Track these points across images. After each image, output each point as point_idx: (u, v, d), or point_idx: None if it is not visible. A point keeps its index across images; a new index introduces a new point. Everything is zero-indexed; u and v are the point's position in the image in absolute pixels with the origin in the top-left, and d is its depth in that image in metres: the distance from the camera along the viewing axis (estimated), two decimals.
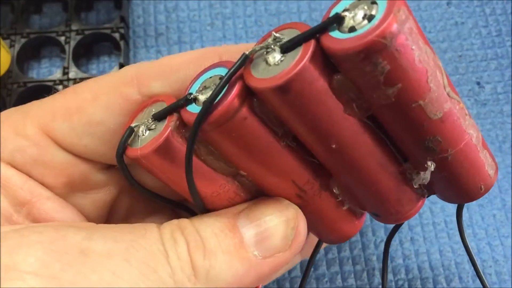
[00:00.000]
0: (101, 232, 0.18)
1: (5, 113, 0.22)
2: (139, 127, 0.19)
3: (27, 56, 0.35)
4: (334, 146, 0.18)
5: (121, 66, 0.34)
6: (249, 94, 0.18)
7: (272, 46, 0.17)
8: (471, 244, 0.32)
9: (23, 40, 0.34)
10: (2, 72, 0.33)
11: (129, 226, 0.19)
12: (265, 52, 0.17)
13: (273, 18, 0.37)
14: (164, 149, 0.19)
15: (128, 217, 0.24)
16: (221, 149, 0.19)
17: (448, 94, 0.18)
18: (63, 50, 0.35)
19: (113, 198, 0.23)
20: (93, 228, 0.19)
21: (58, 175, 0.22)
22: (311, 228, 0.22)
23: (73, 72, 0.34)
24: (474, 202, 0.32)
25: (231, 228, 0.19)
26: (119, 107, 0.21)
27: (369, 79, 0.16)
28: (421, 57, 0.17)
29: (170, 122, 0.19)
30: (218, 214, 0.20)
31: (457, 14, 0.37)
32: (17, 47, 0.34)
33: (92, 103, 0.21)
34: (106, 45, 0.36)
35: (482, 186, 0.21)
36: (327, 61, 0.17)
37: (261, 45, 0.17)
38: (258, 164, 0.19)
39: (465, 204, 0.32)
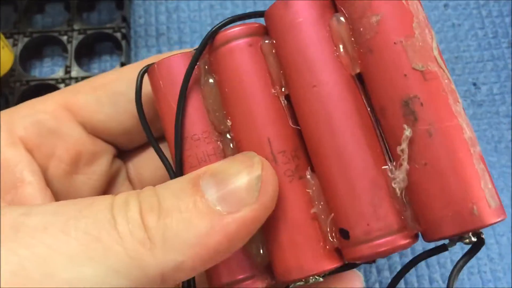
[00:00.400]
0: (42, 207, 0.17)
1: (18, 105, 0.23)
2: None
3: (29, 55, 0.36)
4: (315, 87, 0.18)
5: (122, 65, 0.34)
6: (263, 33, 0.20)
7: None
8: None
9: (26, 39, 0.35)
10: (5, 70, 0.34)
11: (79, 199, 0.17)
12: None
13: None
14: (166, 68, 0.21)
15: None
16: (220, 80, 0.20)
17: (435, 57, 0.17)
18: (65, 50, 0.35)
19: (106, 189, 0.24)
20: (35, 206, 0.17)
21: (69, 149, 0.22)
22: (264, 227, 0.19)
23: (75, 71, 0.34)
24: None
25: (191, 186, 0.17)
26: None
27: (358, 4, 0.18)
28: (414, 6, 0.17)
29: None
30: (182, 177, 0.18)
31: (454, 16, 0.38)
32: (20, 46, 0.35)
33: (117, 79, 0.23)
34: (107, 44, 0.36)
35: (475, 208, 0.16)
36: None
37: None
38: (244, 106, 0.20)
39: None
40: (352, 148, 0.18)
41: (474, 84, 0.36)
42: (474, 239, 0.17)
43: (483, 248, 0.32)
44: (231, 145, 0.21)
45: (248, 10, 0.38)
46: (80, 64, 0.35)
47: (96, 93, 0.23)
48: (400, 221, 0.18)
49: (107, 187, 0.24)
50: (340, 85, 0.18)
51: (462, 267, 0.17)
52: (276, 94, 0.19)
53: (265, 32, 0.20)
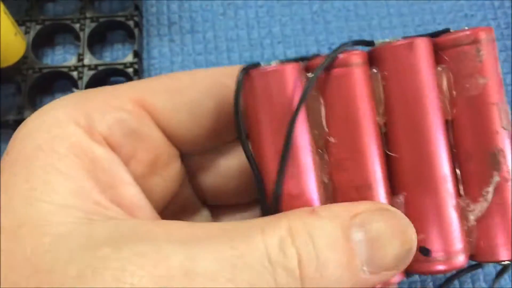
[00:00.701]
0: (202, 250, 0.17)
1: (82, 93, 0.22)
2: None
3: (42, 42, 0.36)
4: (421, 126, 0.21)
5: (135, 54, 0.34)
6: (370, 62, 0.22)
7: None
8: None
9: (38, 27, 0.35)
10: (18, 58, 0.34)
11: (229, 236, 0.18)
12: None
13: (285, 8, 0.38)
14: (279, 77, 0.21)
15: (183, 209, 0.25)
16: (330, 100, 0.21)
17: (509, 121, 0.21)
18: (77, 37, 0.35)
19: (175, 192, 0.24)
20: (192, 244, 0.18)
21: (149, 152, 0.22)
22: None
23: (88, 59, 0.34)
24: None
25: (345, 238, 0.18)
26: (219, 93, 0.22)
27: (468, 64, 0.21)
28: (500, 75, 0.22)
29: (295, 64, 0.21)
30: (331, 216, 0.19)
31: (467, 7, 0.37)
32: (32, 33, 0.35)
33: (192, 86, 0.22)
34: (120, 33, 0.36)
35: None
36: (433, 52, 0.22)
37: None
38: (346, 125, 0.21)
39: None
40: (443, 181, 0.21)
41: None
42: (508, 262, 0.22)
43: None
44: (326, 157, 0.22)
45: (259, 3, 0.38)
46: (92, 52, 0.35)
47: (172, 98, 0.22)
48: (466, 245, 0.22)
49: (176, 190, 0.24)
50: (440, 126, 0.21)
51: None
52: (378, 122, 0.22)
53: (369, 60, 0.22)
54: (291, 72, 0.21)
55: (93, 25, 0.35)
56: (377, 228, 0.19)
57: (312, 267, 0.17)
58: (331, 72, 0.21)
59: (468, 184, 0.22)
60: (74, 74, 0.33)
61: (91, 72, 0.34)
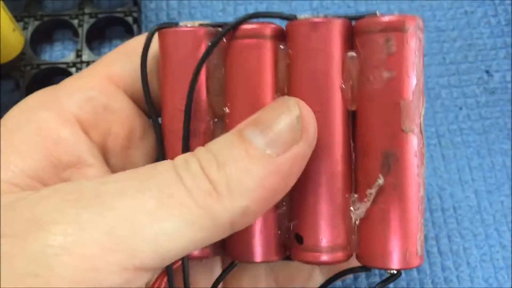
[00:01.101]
0: (115, 175, 0.18)
1: (54, 85, 0.23)
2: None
3: (40, 38, 0.35)
4: (317, 113, 0.20)
5: None
6: (281, 37, 0.21)
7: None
8: (479, 230, 0.32)
9: (36, 23, 0.35)
10: (16, 54, 0.33)
11: (141, 167, 0.19)
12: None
13: (285, 5, 0.37)
14: (188, 37, 0.21)
15: None
16: (231, 68, 0.21)
17: (420, 123, 0.20)
18: (75, 33, 0.35)
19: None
20: (106, 178, 0.18)
21: (124, 124, 0.22)
22: None
23: (86, 55, 0.34)
24: (482, 188, 0.33)
25: (238, 138, 0.19)
26: None
27: (375, 54, 0.19)
28: (417, 71, 0.20)
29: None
30: (226, 133, 0.19)
31: (467, 3, 0.37)
32: (30, 29, 0.34)
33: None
34: (118, 29, 0.36)
35: (407, 253, 0.20)
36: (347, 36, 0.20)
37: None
38: (249, 101, 0.21)
39: (473, 190, 0.33)
40: (331, 172, 0.20)
41: (487, 72, 0.36)
42: (394, 272, 0.21)
43: (496, 236, 0.32)
44: (221, 129, 0.22)
45: None
46: (91, 48, 0.34)
47: (132, 60, 0.22)
48: (346, 242, 0.21)
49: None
50: (338, 115, 0.20)
51: None
52: (276, 91, 0.21)
53: (283, 36, 0.21)
54: (198, 35, 0.21)
55: (92, 21, 0.35)
56: (263, 115, 0.19)
57: (213, 167, 0.18)
58: (238, 41, 0.21)
59: (358, 181, 0.21)
60: (73, 70, 0.33)
61: None
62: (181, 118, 0.21)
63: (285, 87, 0.21)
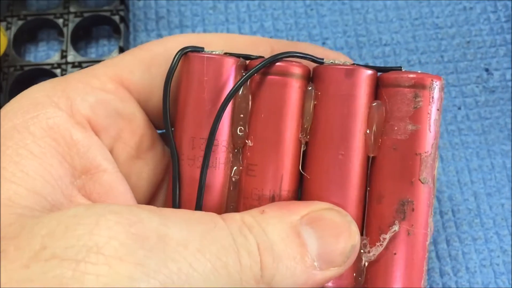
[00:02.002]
0: (174, 219, 0.18)
1: (61, 77, 0.21)
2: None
3: (24, 39, 0.34)
4: (340, 156, 0.21)
5: (121, 50, 0.33)
6: (309, 78, 0.22)
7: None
8: (479, 234, 0.31)
9: (20, 23, 0.33)
10: None
11: (195, 214, 0.19)
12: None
13: (277, 1, 0.36)
14: (216, 65, 0.21)
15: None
16: (260, 103, 0.21)
17: (435, 175, 0.21)
18: (61, 33, 0.34)
19: (161, 179, 0.23)
20: (164, 213, 0.18)
21: (134, 133, 0.22)
22: None
23: (72, 56, 0.33)
24: (482, 190, 0.32)
25: (296, 234, 0.19)
26: None
27: (402, 107, 0.21)
28: (437, 126, 0.21)
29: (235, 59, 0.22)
30: (280, 216, 0.20)
31: None
32: (14, 29, 0.33)
33: (168, 59, 0.21)
34: (105, 28, 0.35)
35: None
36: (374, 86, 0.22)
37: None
38: (273, 137, 0.21)
39: (473, 193, 0.32)
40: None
41: (487, 70, 0.34)
42: None
43: (496, 240, 0.31)
44: (239, 161, 0.22)
45: None
46: (76, 48, 0.33)
47: (150, 72, 0.22)
48: (353, 284, 0.22)
49: (163, 175, 0.23)
50: (359, 160, 0.21)
51: None
52: (300, 139, 0.22)
53: (309, 76, 0.22)
54: (228, 64, 0.21)
55: (77, 20, 0.33)
56: (325, 225, 0.20)
57: (269, 256, 0.18)
58: (268, 77, 0.21)
59: (371, 225, 0.22)
60: (57, 71, 0.32)
61: (75, 70, 0.32)
62: (201, 146, 0.21)
63: (309, 127, 0.22)
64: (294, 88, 0.21)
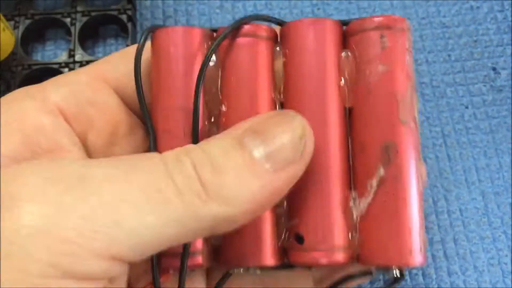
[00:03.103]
0: (99, 160, 0.18)
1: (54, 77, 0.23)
2: None
3: (31, 38, 0.34)
4: (317, 110, 0.21)
5: None
6: (276, 39, 0.22)
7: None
8: (486, 233, 0.31)
9: (27, 22, 0.33)
10: (6, 54, 0.32)
11: (128, 156, 0.19)
12: None
13: (284, 1, 0.36)
14: (183, 37, 0.21)
15: None
16: (228, 67, 0.21)
17: (416, 118, 0.21)
18: (68, 32, 0.34)
19: None
20: (93, 160, 0.18)
21: (107, 120, 0.22)
22: None
23: (79, 55, 0.33)
24: (490, 189, 0.32)
25: (237, 144, 0.18)
26: None
27: (370, 50, 0.21)
28: (409, 66, 0.21)
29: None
30: (223, 134, 0.19)
31: None
32: (21, 28, 0.33)
33: (146, 48, 0.22)
34: (112, 27, 0.35)
35: (413, 249, 0.20)
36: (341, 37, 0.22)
37: None
38: (247, 99, 0.21)
39: (480, 192, 0.32)
40: (331, 170, 0.21)
41: (494, 69, 0.34)
42: (397, 274, 0.20)
43: (504, 239, 0.31)
44: (215, 129, 0.22)
45: None
46: (84, 47, 0.33)
47: (127, 61, 0.22)
48: (347, 241, 0.21)
49: None
50: (336, 112, 0.21)
51: None
52: (274, 99, 0.21)
53: (277, 38, 0.22)
54: (194, 34, 0.21)
55: (85, 19, 0.33)
56: (268, 126, 0.19)
57: (207, 171, 0.17)
58: (235, 41, 0.21)
59: (358, 176, 0.21)
60: (65, 70, 0.32)
61: None
62: (176, 117, 0.21)
63: (281, 86, 0.21)
64: (261, 48, 0.21)
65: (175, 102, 0.21)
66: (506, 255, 0.31)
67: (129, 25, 0.33)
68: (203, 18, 0.36)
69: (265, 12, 0.36)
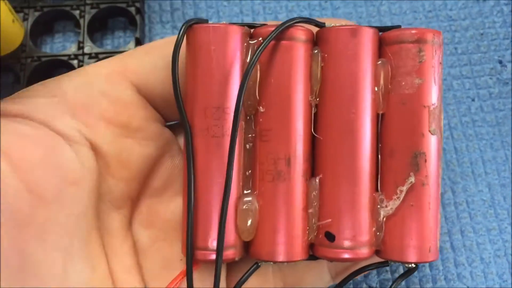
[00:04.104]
0: None
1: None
2: None
3: (40, 30, 0.34)
4: (352, 115, 0.21)
5: (137, 41, 0.33)
6: (314, 42, 0.22)
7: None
8: (493, 224, 0.31)
9: (36, 14, 0.34)
10: (16, 46, 0.32)
11: None
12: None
13: None
14: (222, 34, 0.21)
15: (165, 188, 0.24)
16: (268, 69, 0.21)
17: (441, 126, 0.22)
18: (77, 25, 0.34)
19: (157, 157, 0.24)
20: None
21: (119, 112, 0.22)
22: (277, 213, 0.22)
23: (88, 47, 0.33)
24: (496, 181, 0.32)
25: None
26: None
27: (408, 62, 0.21)
28: (440, 79, 0.22)
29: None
30: None
31: None
32: (31, 20, 0.33)
33: (171, 42, 0.22)
34: (121, 20, 0.35)
35: (431, 248, 0.22)
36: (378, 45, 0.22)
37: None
38: (285, 101, 0.21)
39: (487, 184, 0.32)
40: (363, 172, 0.22)
41: (500, 62, 0.35)
42: (413, 265, 0.22)
43: (510, 231, 0.31)
44: (251, 129, 0.22)
45: None
46: (93, 39, 0.33)
47: (150, 56, 0.23)
48: (373, 239, 0.22)
49: (159, 156, 0.24)
50: (370, 118, 0.22)
51: (399, 283, 0.23)
52: (310, 102, 0.22)
53: (314, 40, 0.22)
54: (234, 32, 0.21)
55: (94, 11, 0.34)
56: None
57: None
58: (274, 43, 0.21)
59: (386, 180, 0.22)
60: (74, 62, 0.32)
61: (92, 61, 0.32)
62: (214, 116, 0.21)
63: (318, 89, 0.22)
64: (300, 52, 0.22)
65: (214, 101, 0.21)
66: None
67: (138, 17, 0.34)
68: (210, 10, 0.36)
69: (273, 4, 0.36)
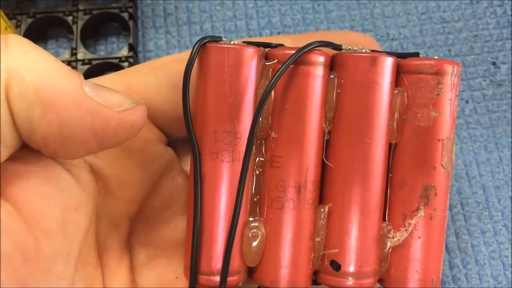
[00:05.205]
0: None
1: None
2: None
3: (33, 37, 0.34)
4: (366, 145, 0.21)
5: (131, 47, 0.33)
6: (330, 66, 0.21)
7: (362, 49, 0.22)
8: (487, 226, 0.31)
9: (29, 20, 0.34)
10: None
11: None
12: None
13: None
14: (236, 56, 0.20)
15: (165, 207, 0.24)
16: (283, 94, 0.21)
17: (452, 160, 0.22)
18: (70, 31, 0.34)
19: (158, 177, 0.23)
20: None
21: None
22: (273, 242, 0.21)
23: (82, 53, 0.33)
24: (490, 183, 0.32)
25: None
26: None
27: (426, 94, 0.21)
28: (455, 113, 0.21)
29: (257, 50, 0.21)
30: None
31: None
32: (23, 27, 0.33)
33: (178, 60, 0.22)
34: (114, 25, 0.35)
35: (435, 279, 0.22)
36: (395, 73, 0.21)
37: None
38: (298, 128, 0.21)
39: (481, 186, 0.32)
40: (374, 203, 0.21)
41: (494, 64, 0.35)
42: None
43: (505, 233, 0.31)
44: (262, 153, 0.22)
45: None
46: (86, 45, 0.33)
47: (156, 73, 0.22)
48: (377, 269, 0.22)
49: (160, 176, 0.23)
50: (382, 150, 0.21)
51: None
52: (324, 129, 0.21)
53: (330, 63, 0.22)
54: (249, 54, 0.21)
55: (86, 17, 0.34)
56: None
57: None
58: (290, 67, 0.21)
59: (394, 210, 0.22)
60: None
61: (85, 67, 0.32)
62: (224, 140, 0.21)
63: (331, 115, 0.21)
64: (318, 77, 0.21)
65: (225, 125, 0.20)
66: (507, 248, 0.31)
67: (131, 23, 0.34)
68: (204, 15, 0.36)
69: (266, 8, 0.36)
